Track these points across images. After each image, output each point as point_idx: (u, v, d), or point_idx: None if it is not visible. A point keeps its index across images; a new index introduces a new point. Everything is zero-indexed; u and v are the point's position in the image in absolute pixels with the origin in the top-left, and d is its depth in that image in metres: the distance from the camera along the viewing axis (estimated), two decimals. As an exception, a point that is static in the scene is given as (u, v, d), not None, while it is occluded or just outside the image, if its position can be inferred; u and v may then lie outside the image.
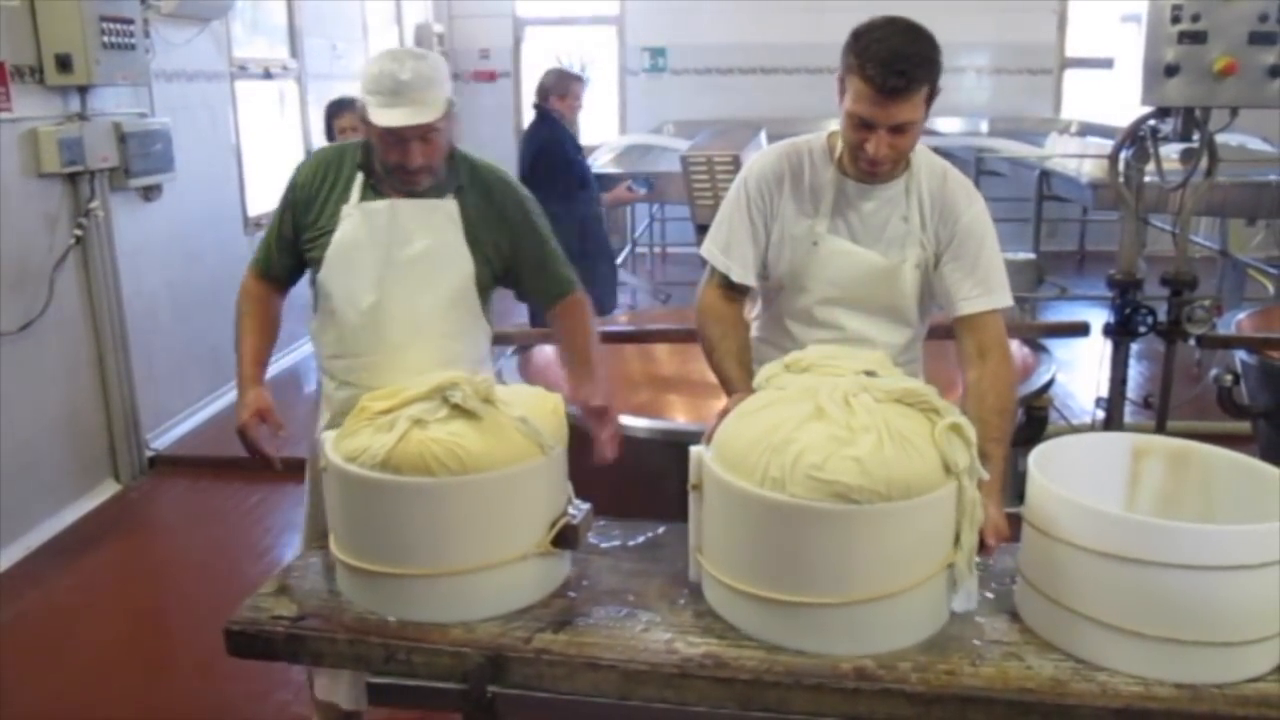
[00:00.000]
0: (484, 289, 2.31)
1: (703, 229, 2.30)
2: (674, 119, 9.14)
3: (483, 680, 1.68)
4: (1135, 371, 4.97)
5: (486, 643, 1.71)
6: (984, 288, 2.05)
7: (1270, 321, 3.98)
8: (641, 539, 2.08)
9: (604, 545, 2.04)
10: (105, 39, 4.17)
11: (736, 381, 2.08)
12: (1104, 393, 3.45)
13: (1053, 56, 9.58)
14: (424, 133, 2.10)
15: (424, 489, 1.74)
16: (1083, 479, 1.75)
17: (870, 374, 1.78)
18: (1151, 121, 3.18)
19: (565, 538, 1.86)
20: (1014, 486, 1.88)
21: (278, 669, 2.87)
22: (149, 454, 4.82)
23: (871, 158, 1.96)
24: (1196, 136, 3.13)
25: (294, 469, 2.40)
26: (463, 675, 1.69)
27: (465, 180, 2.27)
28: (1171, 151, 3.26)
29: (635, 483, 2.65)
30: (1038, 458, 1.75)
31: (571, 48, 10.06)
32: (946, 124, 9.12)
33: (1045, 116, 9.39)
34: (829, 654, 1.64)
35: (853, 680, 1.59)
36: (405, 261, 2.19)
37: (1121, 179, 3.29)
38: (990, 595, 1.82)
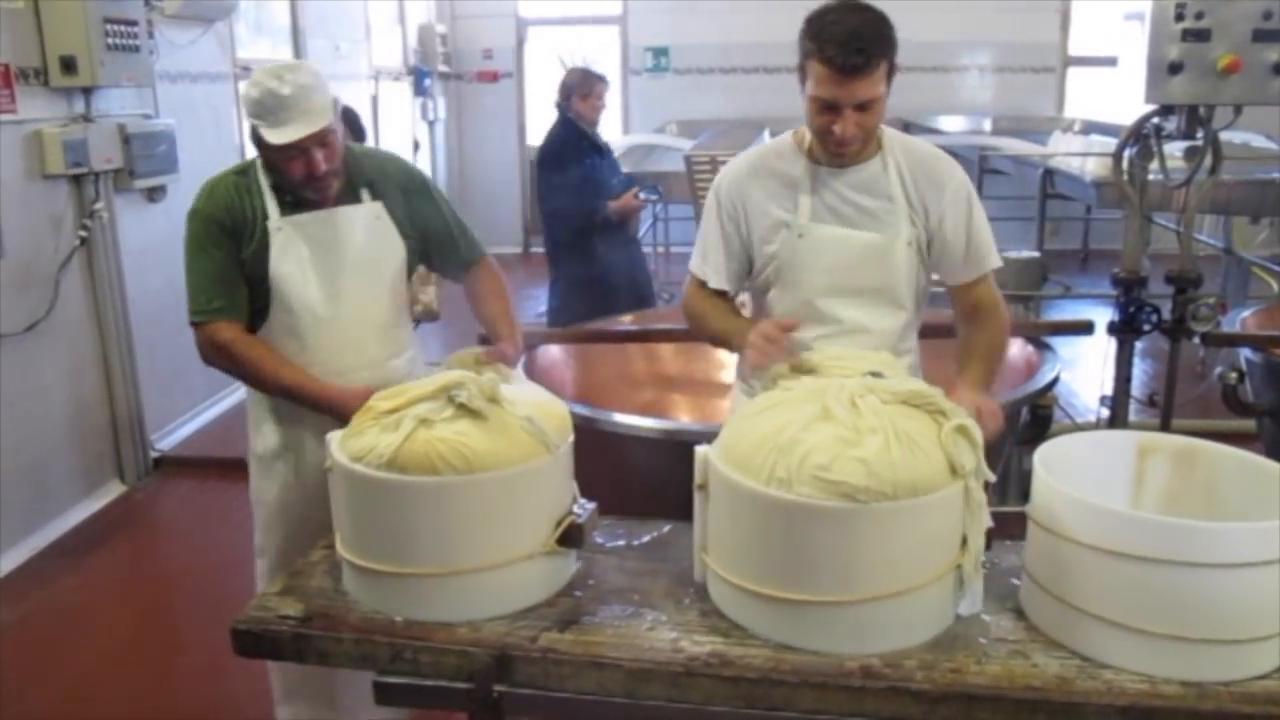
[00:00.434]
0: (409, 271, 2.45)
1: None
2: (677, 119, 9.16)
3: (489, 679, 1.68)
4: (1140, 370, 4.97)
5: (493, 642, 1.71)
6: (976, 254, 2.15)
7: (1275, 319, 3.98)
8: (647, 538, 2.08)
9: (609, 545, 2.04)
10: (109, 41, 4.19)
11: (741, 326, 2.15)
12: (1109, 391, 3.45)
13: (1056, 55, 9.58)
14: (321, 138, 2.17)
15: (430, 488, 1.74)
16: (1088, 477, 1.75)
17: (876, 375, 1.79)
18: (1155, 119, 3.18)
19: (571, 537, 1.86)
20: (1019, 485, 1.89)
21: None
22: (154, 455, 4.83)
23: (840, 138, 2.00)
24: (1200, 134, 3.13)
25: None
26: (469, 674, 1.69)
27: (371, 173, 2.37)
28: (1175, 149, 3.26)
29: (640, 482, 2.66)
30: (1043, 456, 1.75)
31: (574, 48, 10.07)
32: (950, 123, 9.12)
33: (1049, 115, 9.40)
34: (835, 653, 1.64)
35: (858, 679, 1.59)
36: (351, 263, 2.31)
37: (1125, 177, 3.29)
38: (995, 594, 1.82)
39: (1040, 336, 3.59)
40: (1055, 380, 3.20)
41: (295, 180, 2.22)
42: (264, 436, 2.43)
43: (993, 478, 1.72)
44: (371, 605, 1.82)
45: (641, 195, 4.93)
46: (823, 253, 2.11)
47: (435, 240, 2.45)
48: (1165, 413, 3.38)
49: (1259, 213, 5.72)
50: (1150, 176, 3.32)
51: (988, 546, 1.72)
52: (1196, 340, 3.35)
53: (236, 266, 2.27)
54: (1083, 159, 6.39)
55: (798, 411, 1.70)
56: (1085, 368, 5.32)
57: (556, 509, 1.86)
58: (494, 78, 10.01)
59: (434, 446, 1.74)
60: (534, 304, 7.92)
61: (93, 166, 4.27)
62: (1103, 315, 3.41)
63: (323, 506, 1.96)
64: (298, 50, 6.74)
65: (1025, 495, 1.76)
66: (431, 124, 9.36)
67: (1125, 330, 3.30)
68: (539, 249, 10.13)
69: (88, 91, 4.28)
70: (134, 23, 4.38)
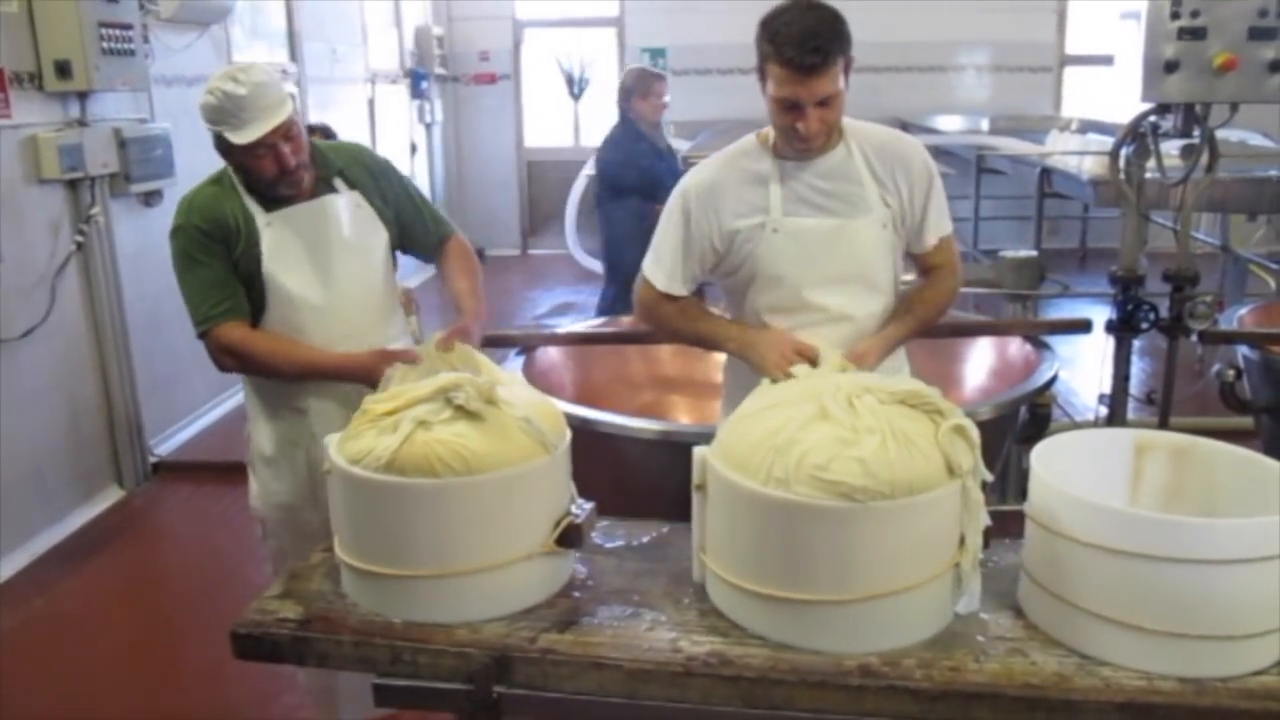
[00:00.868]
0: (391, 252, 2.49)
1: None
2: (674, 120, 9.13)
3: (488, 681, 1.68)
4: (1137, 368, 4.97)
5: (492, 643, 1.71)
6: (936, 221, 2.24)
7: (1272, 317, 3.98)
8: (645, 539, 2.08)
9: (608, 545, 2.05)
10: (104, 45, 4.18)
11: (732, 333, 2.22)
12: (1107, 389, 3.45)
13: (1052, 54, 9.59)
14: (285, 131, 2.20)
15: (429, 490, 1.74)
16: (1086, 475, 1.75)
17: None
18: (1152, 118, 3.18)
19: (569, 537, 1.86)
20: (1017, 483, 1.89)
21: (284, 672, 2.87)
22: (152, 460, 4.82)
23: (805, 135, 2.05)
24: (1197, 132, 3.13)
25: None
26: (468, 676, 1.69)
27: (339, 163, 2.41)
28: (1172, 148, 3.26)
29: (639, 483, 2.66)
30: (1041, 454, 1.75)
31: (571, 49, 10.08)
32: (947, 122, 9.12)
33: (1046, 114, 9.40)
34: (833, 652, 1.64)
35: (857, 678, 1.59)
36: (341, 250, 2.35)
37: (1122, 176, 3.29)
38: (993, 592, 1.82)
39: (1038, 335, 3.60)
40: (1054, 379, 3.20)
41: (268, 178, 2.25)
42: (263, 439, 2.44)
43: (990, 477, 1.73)
44: (371, 607, 1.82)
45: None
46: (800, 242, 2.15)
47: (406, 221, 2.49)
48: (1163, 410, 3.38)
49: (1256, 210, 5.71)
50: (1147, 175, 3.32)
51: (986, 545, 1.72)
52: (1194, 338, 3.35)
53: (231, 270, 2.29)
54: (1080, 158, 6.38)
55: (795, 412, 1.71)
56: (1083, 366, 5.32)
57: (555, 509, 1.86)
58: (491, 80, 10.01)
59: (432, 448, 1.74)
60: (533, 306, 7.94)
61: (88, 171, 4.27)
62: (1100, 314, 3.40)
63: (323, 508, 1.96)
64: (294, 54, 6.74)
65: (1023, 494, 1.76)
66: (429, 126, 9.36)
67: (1123, 328, 3.30)
68: (538, 250, 10.19)
69: (83, 96, 4.27)
70: (129, 26, 4.37)
